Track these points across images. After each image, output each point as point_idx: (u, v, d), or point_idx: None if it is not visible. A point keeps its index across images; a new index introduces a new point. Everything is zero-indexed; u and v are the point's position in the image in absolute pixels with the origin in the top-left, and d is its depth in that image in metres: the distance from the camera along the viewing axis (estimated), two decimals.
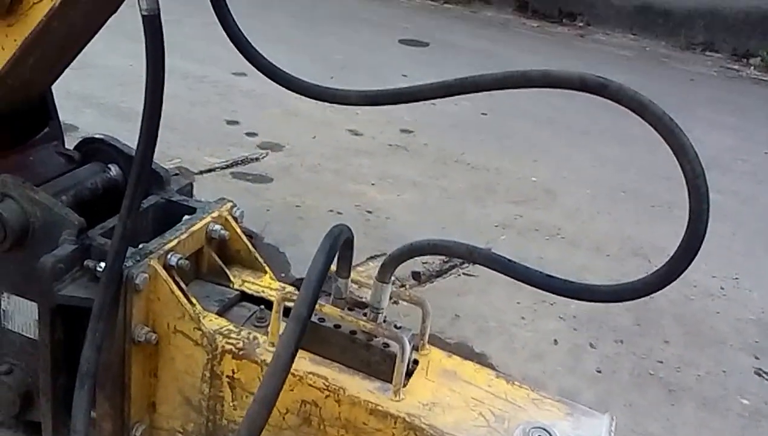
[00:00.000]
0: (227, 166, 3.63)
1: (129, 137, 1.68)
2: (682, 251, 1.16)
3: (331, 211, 3.30)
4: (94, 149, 1.87)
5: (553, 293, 1.31)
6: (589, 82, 1.41)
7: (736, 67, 6.10)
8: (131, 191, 1.44)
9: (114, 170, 1.84)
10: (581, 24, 6.87)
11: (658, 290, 1.23)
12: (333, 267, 1.43)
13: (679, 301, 2.87)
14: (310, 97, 1.76)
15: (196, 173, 3.54)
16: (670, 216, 3.54)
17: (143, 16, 1.36)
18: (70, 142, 2.01)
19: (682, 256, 1.17)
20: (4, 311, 1.65)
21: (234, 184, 3.49)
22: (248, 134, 4.04)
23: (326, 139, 4.08)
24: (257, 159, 3.77)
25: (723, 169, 4.23)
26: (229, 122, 4.17)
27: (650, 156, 4.12)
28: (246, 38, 1.75)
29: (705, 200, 1.14)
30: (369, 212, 3.34)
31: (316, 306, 1.31)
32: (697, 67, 6.03)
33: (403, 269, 2.48)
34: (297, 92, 1.78)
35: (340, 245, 1.37)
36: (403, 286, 2.70)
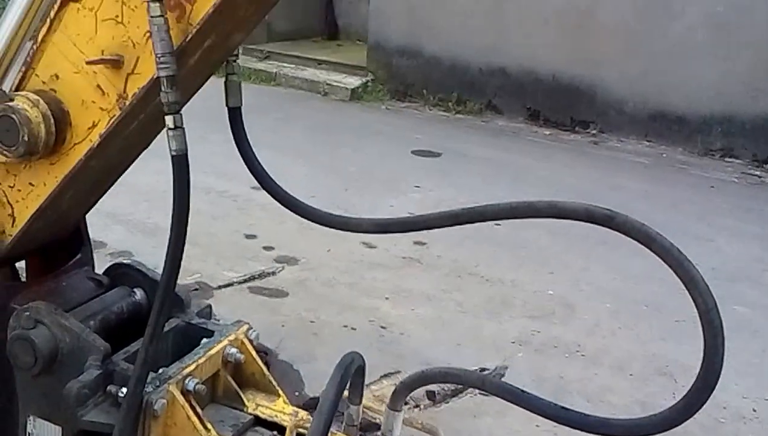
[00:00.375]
0: (245, 281, 3.68)
1: (154, 252, 1.72)
2: (699, 387, 1.20)
3: (345, 326, 3.28)
4: (122, 274, 1.98)
5: (569, 427, 1.34)
6: (596, 214, 1.43)
7: (757, 173, 6.10)
8: (154, 319, 1.51)
9: (139, 295, 1.93)
10: (594, 131, 6.96)
11: (676, 426, 1.22)
12: (345, 393, 1.50)
13: (710, 425, 2.74)
14: (324, 225, 1.83)
15: (215, 288, 3.59)
16: (696, 332, 3.36)
17: (172, 156, 1.46)
18: (99, 258, 2.06)
19: (699, 391, 1.17)
20: (29, 433, 1.71)
21: (251, 299, 3.52)
22: (265, 248, 4.07)
23: (341, 252, 4.07)
24: (273, 273, 3.81)
25: (751, 281, 4.13)
26: (248, 236, 4.22)
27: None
28: (264, 169, 1.86)
29: (719, 334, 1.17)
30: (383, 328, 3.30)
31: (329, 434, 1.36)
32: (717, 174, 6.05)
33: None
34: (312, 221, 1.86)
35: (351, 373, 1.42)
36: (417, 406, 2.63)
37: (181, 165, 1.46)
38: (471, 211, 1.67)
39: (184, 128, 1.45)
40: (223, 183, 4.83)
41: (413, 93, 8.04)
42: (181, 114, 1.46)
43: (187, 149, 1.46)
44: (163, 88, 1.41)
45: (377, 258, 4.08)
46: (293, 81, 8.69)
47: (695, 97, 6.42)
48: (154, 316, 1.51)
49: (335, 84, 8.39)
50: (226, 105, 1.88)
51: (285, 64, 9.16)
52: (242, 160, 1.85)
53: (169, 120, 1.44)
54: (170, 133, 1.45)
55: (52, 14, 1.55)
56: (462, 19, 7.59)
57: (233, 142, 1.82)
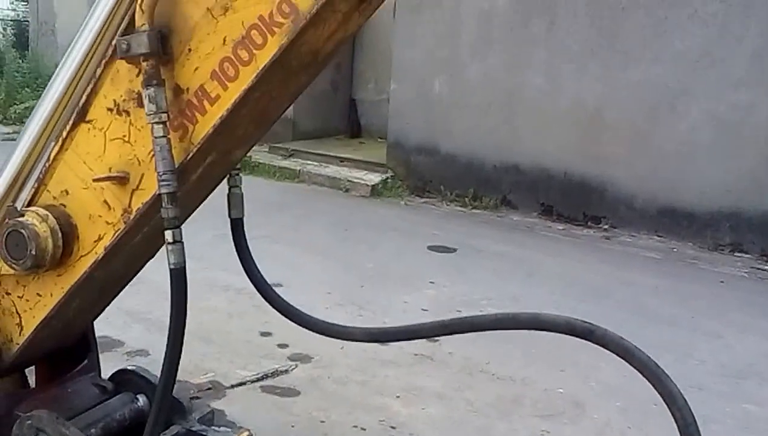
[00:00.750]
0: (258, 380, 3.76)
1: None
2: None
3: (355, 426, 3.34)
4: (127, 380, 2.05)
5: None
6: (576, 327, 1.54)
7: (766, 268, 6.15)
8: (150, 427, 1.56)
9: (141, 401, 2.01)
10: (606, 226, 7.11)
11: None
12: None
13: None
14: (320, 334, 1.92)
15: (228, 387, 3.68)
16: (707, 432, 3.43)
17: (171, 269, 1.55)
18: (116, 357, 2.16)
19: None
20: None
21: (263, 398, 3.59)
22: (280, 346, 4.19)
23: (354, 349, 4.19)
24: (287, 371, 3.90)
25: (760, 378, 4.13)
26: (263, 334, 4.35)
27: (680, 365, 4.10)
28: (264, 279, 2.00)
29: None
30: (393, 428, 3.36)
31: None
32: (726, 269, 6.11)
33: None
34: (306, 328, 1.95)
35: None
36: None
37: (179, 278, 1.53)
38: (460, 322, 1.76)
39: (182, 242, 1.53)
40: (242, 281, 4.90)
41: (431, 189, 8.32)
42: (180, 229, 1.54)
43: (185, 263, 1.54)
44: (163, 204, 1.49)
45: (390, 355, 4.18)
46: (316, 178, 9.03)
47: (703, 193, 6.58)
48: (150, 425, 1.55)
49: (356, 180, 8.71)
50: (229, 216, 1.98)
51: (309, 162, 9.55)
52: (243, 270, 1.96)
53: (168, 234, 1.51)
54: (169, 247, 1.53)
55: (64, 134, 1.66)
56: (476, 118, 7.95)
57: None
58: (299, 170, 9.21)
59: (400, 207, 8.06)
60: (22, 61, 13.78)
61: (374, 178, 8.73)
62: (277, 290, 4.77)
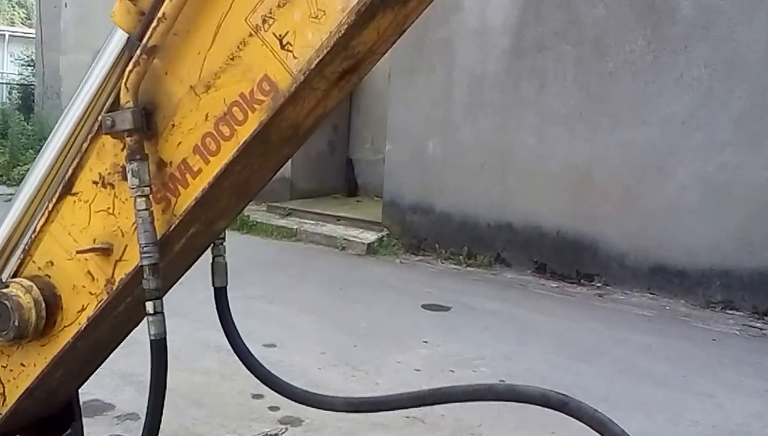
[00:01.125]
0: None
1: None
2: None
3: None
4: None
5: None
6: (551, 398, 1.56)
7: (758, 325, 6.16)
8: None
9: None
10: (599, 284, 7.14)
11: None
12: None
13: None
14: (300, 403, 1.93)
15: None
16: None
17: (151, 341, 1.57)
18: (107, 421, 2.15)
19: None
20: None
21: None
22: (271, 408, 4.17)
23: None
24: (276, 435, 3.86)
25: None
26: (255, 396, 4.33)
27: (673, 426, 4.08)
28: (248, 349, 2.01)
29: None
30: None
31: None
32: (718, 326, 6.12)
33: None
34: (285, 396, 1.95)
35: None
36: None
37: (159, 350, 1.56)
38: (436, 393, 1.76)
39: (163, 313, 1.55)
40: None
41: (426, 247, 8.39)
42: (161, 300, 1.55)
43: (165, 334, 1.56)
44: (145, 275, 1.51)
45: (381, 418, 4.15)
46: (313, 236, 9.10)
47: (694, 251, 6.64)
48: None
49: (352, 239, 8.78)
50: (213, 285, 1.98)
51: (306, 221, 9.65)
52: (226, 339, 1.96)
53: (149, 306, 1.53)
54: (150, 318, 1.54)
55: (50, 206, 1.69)
56: (470, 178, 8.08)
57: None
58: (296, 229, 9.29)
59: (395, 265, 8.10)
60: (27, 124, 14.07)
61: (370, 236, 8.80)
62: (271, 350, 4.82)
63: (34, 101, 15.62)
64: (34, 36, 16.37)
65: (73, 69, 13.19)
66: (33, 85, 16.17)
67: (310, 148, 9.97)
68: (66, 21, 13.83)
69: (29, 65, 17.25)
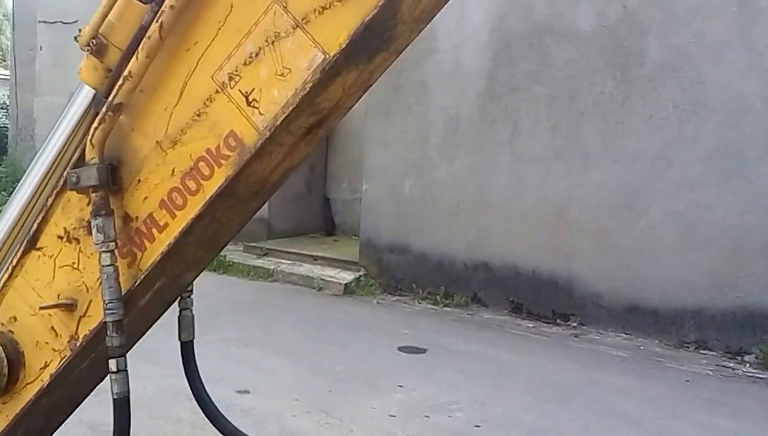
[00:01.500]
0: None
1: None
2: None
3: None
4: None
5: None
6: None
7: (731, 365, 6.20)
8: None
9: None
10: (575, 324, 7.16)
11: None
12: None
13: None
14: None
15: None
16: None
17: (114, 399, 1.55)
18: None
19: None
20: None
21: None
22: None
23: None
24: None
25: None
26: None
27: None
28: (214, 406, 2.03)
29: None
30: None
31: None
32: (692, 366, 6.14)
33: None
34: None
35: None
36: None
37: (121, 409, 1.53)
38: None
39: (127, 371, 1.53)
40: (209, 386, 4.91)
41: (403, 287, 8.37)
42: (125, 357, 1.53)
43: (129, 393, 1.54)
44: (109, 333, 1.49)
45: None
46: (290, 277, 9.05)
47: (666, 291, 6.69)
48: None
49: (329, 279, 8.74)
50: (179, 339, 1.98)
51: (283, 261, 9.60)
52: (193, 396, 1.96)
53: (112, 363, 1.52)
54: (113, 376, 1.52)
55: (14, 261, 1.68)
56: (446, 218, 8.12)
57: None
58: (273, 269, 9.23)
59: (372, 306, 8.07)
60: (0, 166, 13.93)
61: (347, 276, 8.77)
62: (245, 397, 4.75)
63: (7, 143, 15.50)
64: (8, 78, 16.32)
65: (47, 111, 13.13)
66: (6, 126, 16.07)
67: (288, 188, 9.97)
68: (41, 63, 13.81)
69: (2, 108, 17.18)
